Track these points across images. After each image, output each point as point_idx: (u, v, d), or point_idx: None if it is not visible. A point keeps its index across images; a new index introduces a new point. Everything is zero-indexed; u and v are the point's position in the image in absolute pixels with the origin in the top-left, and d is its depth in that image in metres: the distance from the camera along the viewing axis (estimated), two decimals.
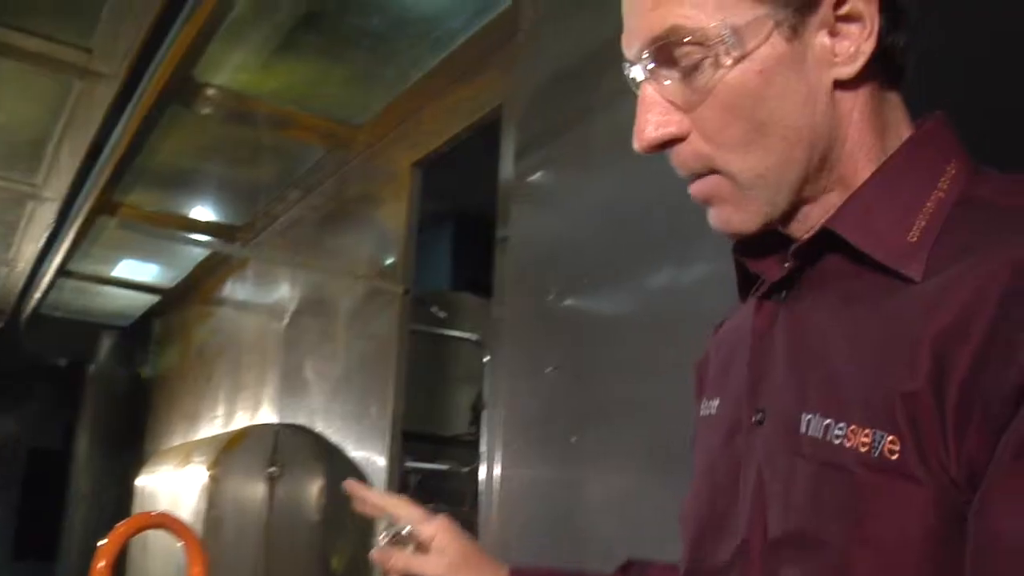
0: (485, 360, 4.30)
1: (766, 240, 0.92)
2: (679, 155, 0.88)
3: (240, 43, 3.82)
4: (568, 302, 2.64)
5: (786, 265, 0.89)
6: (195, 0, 3.37)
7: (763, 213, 0.87)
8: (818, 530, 0.76)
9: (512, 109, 3.08)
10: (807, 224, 0.89)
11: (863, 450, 0.74)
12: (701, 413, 1.03)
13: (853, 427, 0.75)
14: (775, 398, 0.86)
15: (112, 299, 8.63)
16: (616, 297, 2.48)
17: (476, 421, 4.36)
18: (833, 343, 0.82)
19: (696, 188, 0.89)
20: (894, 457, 0.72)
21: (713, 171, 0.87)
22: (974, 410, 0.68)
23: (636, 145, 0.87)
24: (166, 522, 1.67)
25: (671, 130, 0.86)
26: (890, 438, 0.72)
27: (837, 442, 0.76)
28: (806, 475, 0.78)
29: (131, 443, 8.38)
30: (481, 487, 2.86)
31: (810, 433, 0.79)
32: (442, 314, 4.38)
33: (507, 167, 3.01)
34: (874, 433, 0.73)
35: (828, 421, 0.78)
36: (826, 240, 0.84)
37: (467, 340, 4.50)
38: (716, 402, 0.99)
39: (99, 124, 4.47)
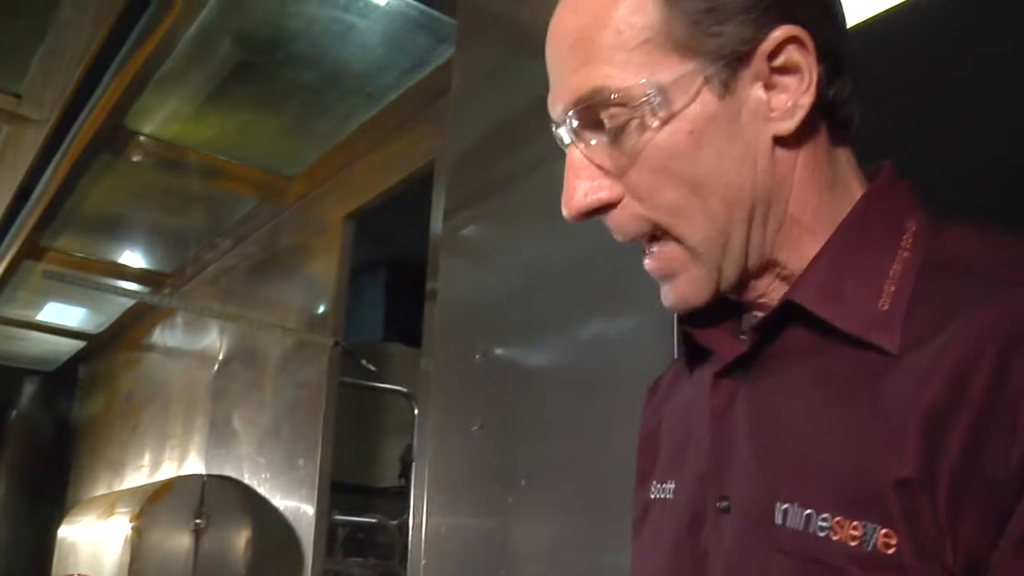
0: (415, 412, 4.32)
1: (714, 310, 0.86)
2: (615, 220, 0.83)
3: (172, 92, 3.81)
4: (496, 356, 2.66)
5: (743, 339, 0.84)
6: (128, 49, 3.37)
7: (713, 280, 0.82)
8: None
9: (443, 164, 3.12)
10: (758, 291, 0.84)
11: (853, 544, 0.67)
12: (652, 496, 0.95)
13: (839, 519, 0.69)
14: (742, 486, 0.79)
15: (36, 344, 8.44)
16: (544, 352, 2.50)
17: (405, 473, 4.35)
18: (804, 426, 0.75)
19: (651, 264, 0.84)
20: (890, 551, 0.66)
21: (655, 234, 0.82)
22: (972, 494, 0.63)
23: (565, 212, 0.83)
24: None
25: (602, 195, 0.81)
26: (883, 531, 0.66)
27: (822, 535, 0.70)
28: (787, 571, 0.72)
29: (54, 492, 8.17)
30: (410, 540, 2.85)
31: (788, 525, 0.73)
32: (371, 367, 4.36)
33: (437, 221, 3.03)
34: (864, 526, 0.67)
35: (809, 512, 0.71)
36: (788, 313, 0.78)
37: (397, 392, 4.49)
38: (672, 485, 0.91)
39: (27, 168, 4.42)
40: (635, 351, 2.17)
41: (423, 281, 3.13)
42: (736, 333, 0.87)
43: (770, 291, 0.84)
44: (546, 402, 2.44)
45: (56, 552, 5.89)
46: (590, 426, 2.24)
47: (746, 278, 0.83)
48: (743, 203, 0.79)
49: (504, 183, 2.79)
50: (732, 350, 0.84)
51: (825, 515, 0.70)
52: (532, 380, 2.51)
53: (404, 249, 4.86)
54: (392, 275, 5.67)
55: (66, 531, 5.77)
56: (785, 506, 0.73)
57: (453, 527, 2.69)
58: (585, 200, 0.81)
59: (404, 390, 4.40)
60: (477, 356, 2.69)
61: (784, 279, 0.83)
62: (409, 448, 4.28)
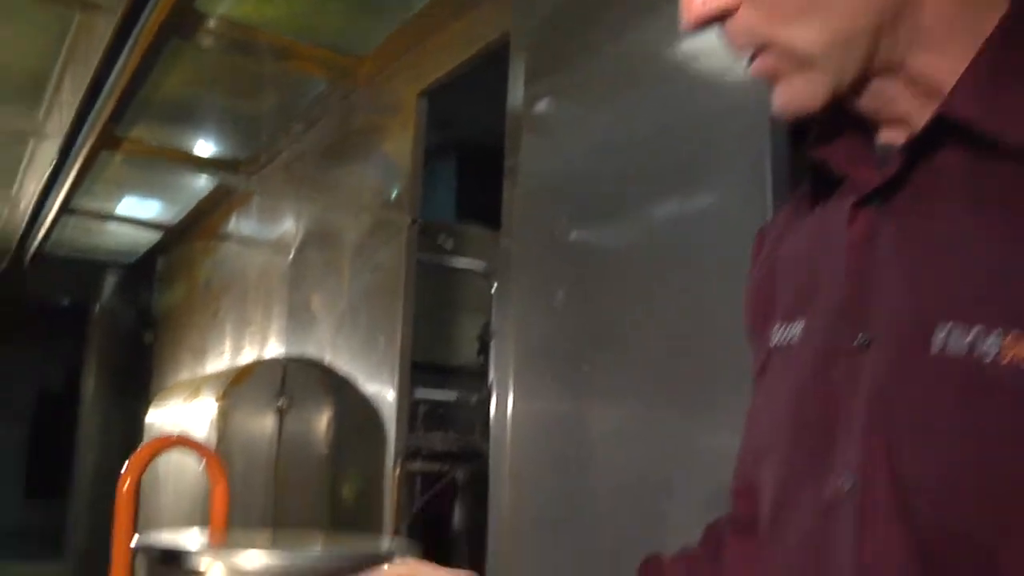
0: (493, 290, 4.34)
1: (842, 138, 0.83)
2: (729, 30, 0.80)
3: None
4: (577, 231, 2.64)
5: (888, 168, 0.78)
6: None
7: (828, 86, 0.78)
8: (971, 462, 0.66)
9: (519, 36, 3.06)
10: (883, 98, 0.79)
11: None
12: (774, 343, 0.90)
13: (1014, 334, 0.63)
14: (888, 316, 0.74)
15: (115, 237, 8.62)
16: (626, 227, 2.48)
17: (483, 351, 4.40)
18: (966, 247, 0.70)
19: (756, 68, 0.81)
20: None
21: (768, 46, 0.78)
22: None
23: (684, 22, 0.80)
24: (186, 443, 1.69)
25: (719, 3, 0.78)
26: None
27: (990, 359, 0.64)
28: (946, 404, 0.67)
29: (138, 381, 8.42)
30: (492, 416, 2.88)
31: (949, 351, 0.67)
32: (449, 244, 4.38)
33: (515, 95, 2.99)
34: None
35: (976, 329, 0.65)
36: (939, 130, 0.73)
37: (474, 270, 4.50)
38: (799, 327, 0.86)
39: (100, 58, 4.43)
40: (713, 223, 2.14)
41: (495, 162, 3.09)
42: (873, 162, 0.81)
43: (900, 103, 0.79)
44: (628, 278, 2.43)
45: (145, 437, 6.09)
46: (672, 302, 2.23)
47: (867, 85, 0.78)
48: (870, 9, 0.74)
49: (582, 53, 2.74)
50: (872, 176, 0.79)
51: (997, 330, 0.64)
52: (614, 256, 2.50)
53: (474, 130, 4.82)
54: (462, 157, 5.65)
55: (153, 416, 5.95)
56: (946, 328, 0.68)
57: (534, 402, 2.72)
58: (704, 8, 0.78)
59: (481, 267, 4.42)
60: (557, 232, 2.68)
61: (918, 91, 0.78)
62: (487, 326, 4.31)
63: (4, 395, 13.08)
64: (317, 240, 5.08)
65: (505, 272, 2.95)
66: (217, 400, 4.81)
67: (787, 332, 0.88)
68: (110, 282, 9.58)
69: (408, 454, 3.88)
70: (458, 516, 4.10)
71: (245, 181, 6.24)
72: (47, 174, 6.40)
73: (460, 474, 4.06)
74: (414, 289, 4.00)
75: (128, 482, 1.58)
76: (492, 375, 4.20)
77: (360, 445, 4.12)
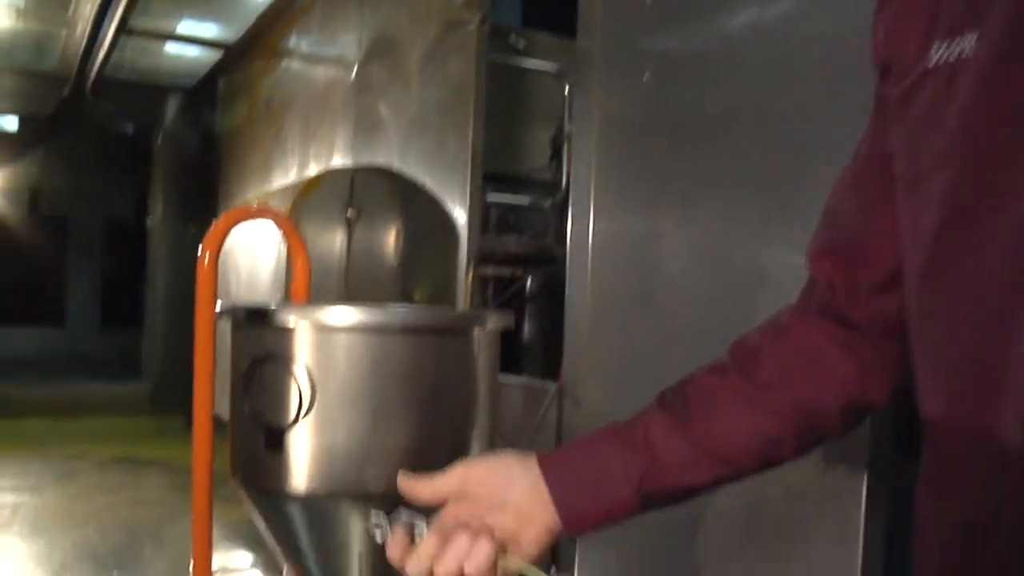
0: (566, 92, 4.19)
1: None
2: None
3: None
4: (658, 29, 2.47)
5: None
6: None
7: None
8: None
9: None
10: None
11: None
12: (934, 62, 0.83)
13: None
14: None
15: (176, 60, 8.52)
16: (717, 20, 2.29)
17: (556, 156, 4.27)
18: None
19: None
20: None
21: None
22: None
23: None
24: (265, 213, 1.61)
25: None
26: None
27: None
28: None
29: (205, 203, 8.42)
30: (568, 222, 2.76)
31: None
32: (521, 44, 4.20)
33: None
34: None
35: None
36: None
37: (546, 72, 4.31)
38: (970, 40, 0.79)
39: None
40: (807, 24, 1.97)
41: None
42: None
43: None
44: (720, 79, 2.27)
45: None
46: (770, 98, 2.08)
47: None
48: None
49: None
50: None
51: None
52: (701, 58, 2.33)
53: None
54: None
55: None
56: None
57: (612, 213, 2.60)
58: None
59: (553, 69, 4.24)
60: (638, 30, 2.49)
61: None
62: (559, 130, 4.17)
63: (76, 228, 13.27)
64: (382, 49, 4.93)
65: (586, 71, 2.78)
66: (287, 210, 4.77)
67: (952, 48, 0.81)
68: (172, 106, 9.52)
69: (480, 258, 3.82)
70: (530, 321, 4.06)
71: None
72: None
73: (533, 278, 4.00)
74: (484, 91, 3.86)
75: (208, 255, 1.51)
76: (566, 180, 4.09)
77: (431, 251, 4.07)
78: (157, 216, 9.83)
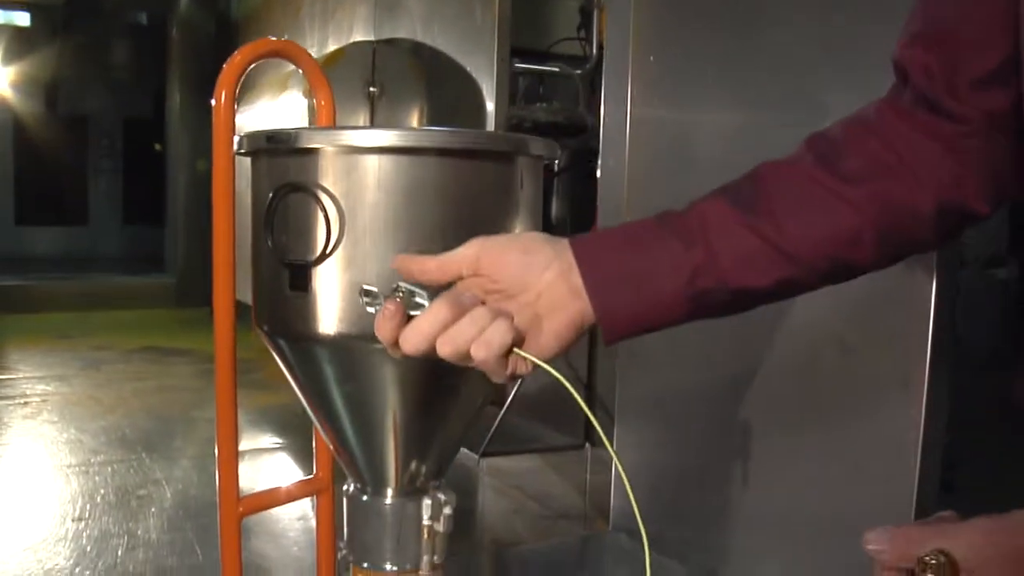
0: None
1: None
2: None
3: None
4: None
5: None
6: None
7: None
8: None
9: None
10: None
11: None
12: None
13: None
14: None
15: None
16: None
17: (585, 25, 4.09)
18: None
19: None
20: None
21: None
22: None
23: None
24: (285, 48, 1.48)
25: None
26: None
27: None
28: None
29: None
30: (600, 113, 2.60)
31: None
32: None
33: None
34: None
35: None
36: None
37: None
38: None
39: None
40: None
41: None
42: None
43: None
44: None
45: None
46: None
47: None
48: None
49: None
50: None
51: None
52: None
53: None
54: None
55: (241, 119, 5.82)
56: None
57: (649, 101, 2.43)
58: None
59: None
60: None
61: None
62: None
63: (95, 126, 13.15)
64: None
65: None
66: (305, 95, 4.62)
67: None
68: None
69: (509, 127, 3.67)
70: (560, 196, 3.94)
71: None
72: None
73: (564, 150, 3.86)
74: None
75: (224, 95, 1.39)
76: (596, 48, 3.93)
77: (458, 124, 3.92)
78: (175, 110, 9.66)
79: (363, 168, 1.06)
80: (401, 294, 0.85)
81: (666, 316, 0.88)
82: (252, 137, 1.16)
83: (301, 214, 1.10)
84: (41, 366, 5.95)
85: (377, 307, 0.86)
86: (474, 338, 0.81)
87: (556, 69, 4.13)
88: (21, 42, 11.62)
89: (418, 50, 4.23)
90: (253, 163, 1.18)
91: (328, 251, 1.09)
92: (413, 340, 0.82)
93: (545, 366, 0.85)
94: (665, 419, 2.35)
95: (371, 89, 4.21)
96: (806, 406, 1.91)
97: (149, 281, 9.96)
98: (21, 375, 5.68)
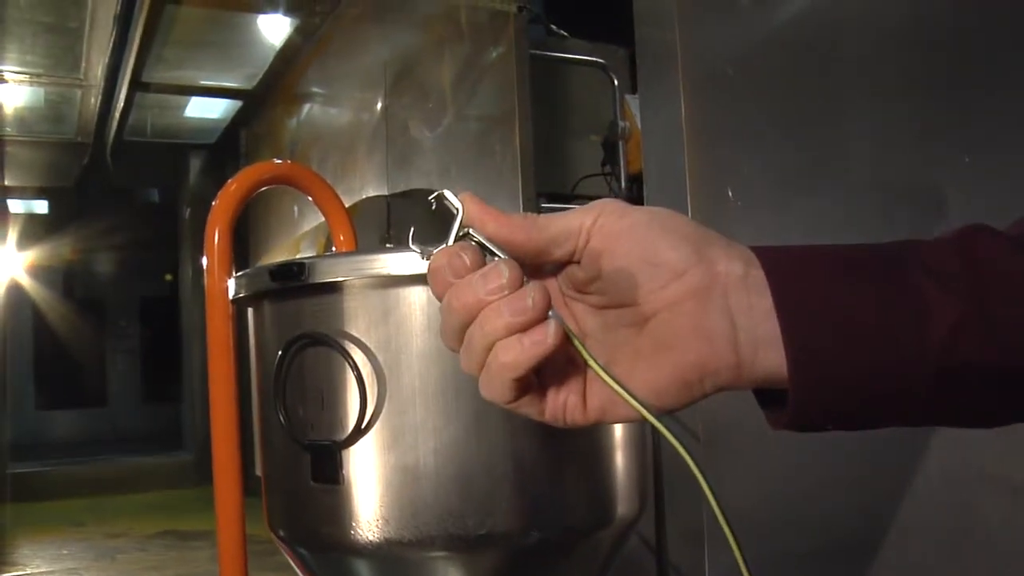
0: (615, 84, 3.79)
1: None
2: None
3: None
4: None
5: None
6: None
7: None
8: None
9: None
10: None
11: None
12: None
13: None
14: None
15: (194, 117, 8.30)
16: None
17: (609, 157, 3.87)
18: None
19: None
20: None
21: None
22: None
23: None
24: (292, 174, 1.21)
25: None
26: None
27: None
28: None
29: (238, 264, 8.09)
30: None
31: None
32: (564, 32, 3.82)
33: None
34: None
35: None
36: None
37: (587, 72, 3.90)
38: None
39: None
40: None
41: None
42: None
43: None
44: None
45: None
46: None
47: None
48: None
49: None
50: None
51: None
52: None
53: None
54: None
55: None
56: None
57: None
58: None
59: (601, 61, 3.84)
60: None
61: None
62: (611, 127, 3.76)
63: (112, 307, 13.32)
64: (411, 62, 4.59)
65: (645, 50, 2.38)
66: (317, 249, 4.42)
67: None
68: (195, 165, 9.29)
69: None
70: None
71: (319, 24, 5.77)
72: (111, 39, 6.00)
73: None
74: (529, 85, 3.48)
75: (219, 231, 1.12)
76: (625, 182, 3.70)
77: None
78: (188, 285, 9.60)
79: (407, 305, 0.76)
80: (472, 242, 0.55)
81: (892, 394, 0.53)
82: (252, 276, 0.87)
83: (323, 376, 0.80)
84: (54, 559, 5.61)
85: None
86: (486, 298, 0.51)
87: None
88: (36, 227, 11.68)
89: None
90: (255, 312, 0.89)
91: (364, 426, 0.78)
92: (462, 291, 0.52)
93: (615, 385, 0.54)
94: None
95: (387, 238, 4.02)
96: (959, 570, 1.54)
97: (168, 460, 9.77)
98: (32, 569, 5.34)
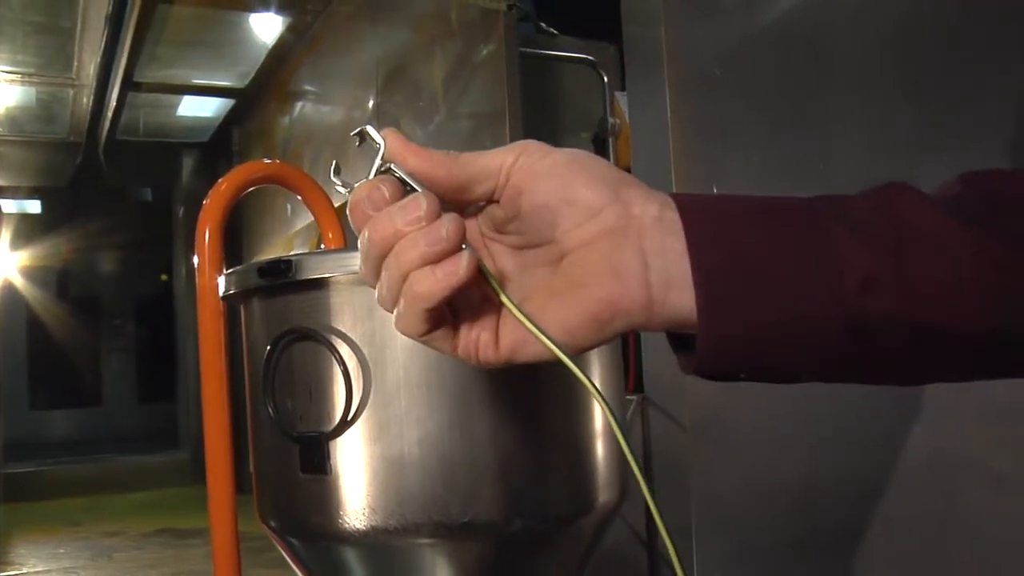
0: (604, 81, 3.82)
1: None
2: None
3: None
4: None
5: None
6: None
7: None
8: None
9: None
10: None
11: None
12: None
13: None
14: None
15: (186, 115, 8.31)
16: None
17: (601, 153, 3.89)
18: None
19: None
20: None
21: None
22: None
23: None
24: (281, 173, 1.23)
25: None
26: None
27: None
28: None
29: (231, 263, 8.09)
30: None
31: None
32: (553, 30, 3.84)
33: None
34: None
35: None
36: None
37: (583, 61, 3.90)
38: None
39: None
40: None
41: None
42: None
43: None
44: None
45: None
46: None
47: None
48: None
49: None
50: None
51: None
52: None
53: None
54: None
55: None
56: None
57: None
58: None
59: (591, 58, 3.86)
60: None
61: None
62: (601, 123, 3.78)
63: (107, 306, 13.30)
64: (402, 59, 4.60)
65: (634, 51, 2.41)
66: (310, 246, 4.43)
67: None
68: (188, 164, 9.28)
69: None
70: None
71: (311, 23, 5.78)
72: (103, 38, 6.01)
73: None
74: (519, 82, 3.50)
75: (209, 232, 1.14)
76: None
77: None
78: (182, 283, 9.59)
79: None
80: (392, 176, 0.55)
81: (803, 344, 0.54)
82: (241, 273, 0.89)
83: (311, 370, 0.82)
84: (49, 558, 5.61)
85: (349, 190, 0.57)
86: (402, 228, 0.52)
87: None
88: (30, 227, 11.67)
89: None
90: (244, 309, 0.91)
91: (350, 418, 0.80)
92: (381, 222, 0.53)
93: (525, 320, 0.54)
94: None
95: None
96: (945, 559, 1.57)
97: (163, 458, 9.75)
98: (27, 568, 5.34)
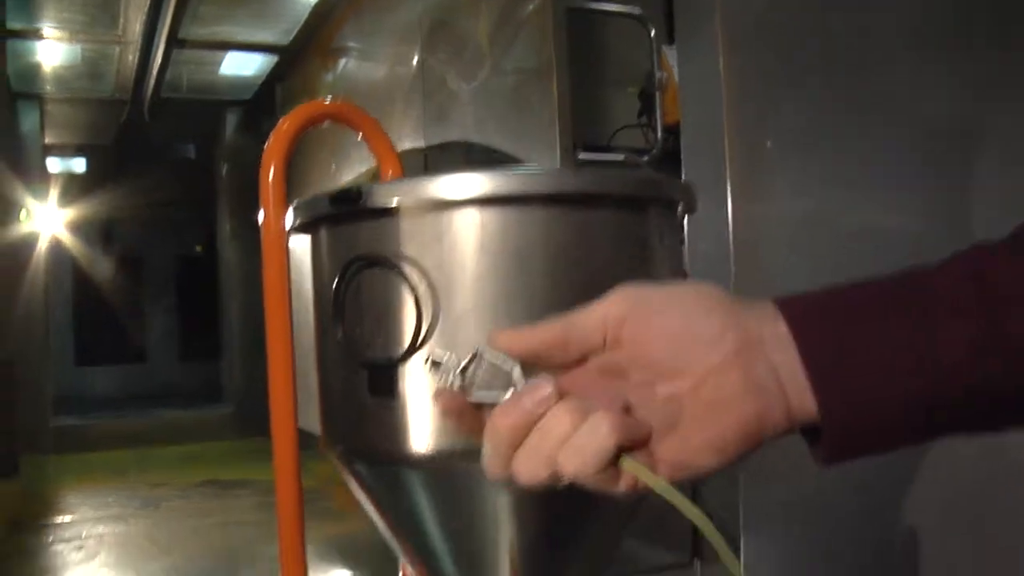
0: (652, 35, 3.79)
1: None
2: None
3: None
4: None
5: None
6: None
7: None
8: None
9: None
10: None
11: None
12: None
13: None
14: None
15: (230, 76, 8.33)
16: None
17: (646, 110, 3.87)
18: None
19: None
20: None
21: None
22: None
23: None
24: (341, 112, 1.24)
25: None
26: None
27: None
28: None
29: None
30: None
31: None
32: None
33: None
34: None
35: None
36: None
37: (623, 24, 3.88)
38: None
39: None
40: None
41: None
42: None
43: None
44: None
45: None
46: None
47: None
48: None
49: None
50: None
51: None
52: None
53: None
54: None
55: (295, 242, 5.65)
56: None
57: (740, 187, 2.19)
58: None
59: (638, 12, 3.83)
60: None
61: None
62: (649, 78, 3.75)
63: (151, 265, 13.40)
64: (447, 15, 4.58)
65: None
66: None
67: None
68: (232, 121, 9.32)
69: None
70: None
71: None
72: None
73: None
74: (565, 36, 3.48)
75: (273, 168, 1.16)
76: (660, 133, 3.70)
77: None
78: (226, 243, 9.65)
79: (460, 228, 0.80)
80: (485, 362, 0.57)
81: (918, 427, 0.58)
82: (310, 203, 0.91)
83: (380, 297, 0.84)
84: (99, 506, 5.74)
85: (444, 373, 0.58)
86: (561, 441, 0.54)
87: (621, 158, 3.89)
88: (76, 185, 11.78)
89: (471, 149, 4.05)
90: (313, 239, 0.93)
91: (419, 343, 0.82)
92: (500, 426, 0.55)
93: (656, 480, 0.57)
94: (804, 533, 2.02)
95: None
96: (983, 523, 1.57)
97: (207, 413, 9.88)
98: (78, 516, 5.47)
